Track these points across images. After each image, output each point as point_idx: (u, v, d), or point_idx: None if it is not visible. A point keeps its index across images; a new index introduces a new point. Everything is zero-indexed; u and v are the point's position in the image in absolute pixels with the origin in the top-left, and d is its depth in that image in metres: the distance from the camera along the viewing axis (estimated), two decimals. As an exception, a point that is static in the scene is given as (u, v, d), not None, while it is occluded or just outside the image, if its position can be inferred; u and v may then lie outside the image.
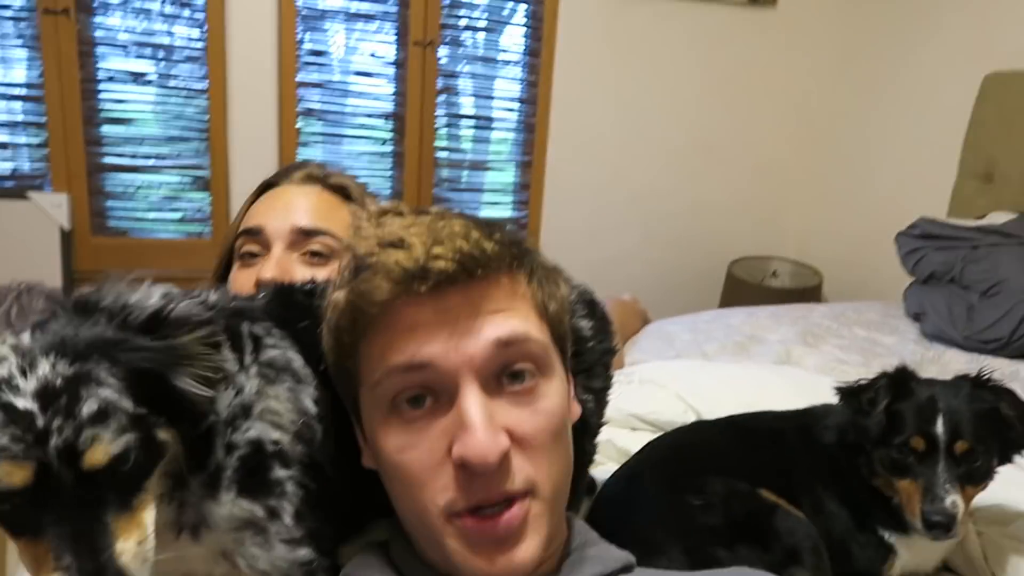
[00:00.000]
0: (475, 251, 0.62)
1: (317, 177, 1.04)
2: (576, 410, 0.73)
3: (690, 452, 1.15)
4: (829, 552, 0.97)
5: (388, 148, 2.97)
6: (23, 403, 0.51)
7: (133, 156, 2.70)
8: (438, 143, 3.00)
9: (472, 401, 0.60)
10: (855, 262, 3.23)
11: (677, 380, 1.54)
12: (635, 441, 1.27)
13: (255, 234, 0.99)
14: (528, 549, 0.62)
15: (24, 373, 0.52)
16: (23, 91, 2.55)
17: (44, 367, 0.52)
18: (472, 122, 3.08)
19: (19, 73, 2.54)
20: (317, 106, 2.83)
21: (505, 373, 0.63)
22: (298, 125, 2.80)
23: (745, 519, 0.98)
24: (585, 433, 0.89)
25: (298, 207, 1.00)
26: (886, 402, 0.99)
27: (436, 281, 0.61)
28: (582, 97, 3.10)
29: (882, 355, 2.08)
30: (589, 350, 0.87)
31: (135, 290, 0.61)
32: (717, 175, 3.38)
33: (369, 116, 2.92)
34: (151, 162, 2.72)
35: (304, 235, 0.98)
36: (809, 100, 3.36)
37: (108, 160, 2.67)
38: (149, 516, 0.58)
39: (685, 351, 2.13)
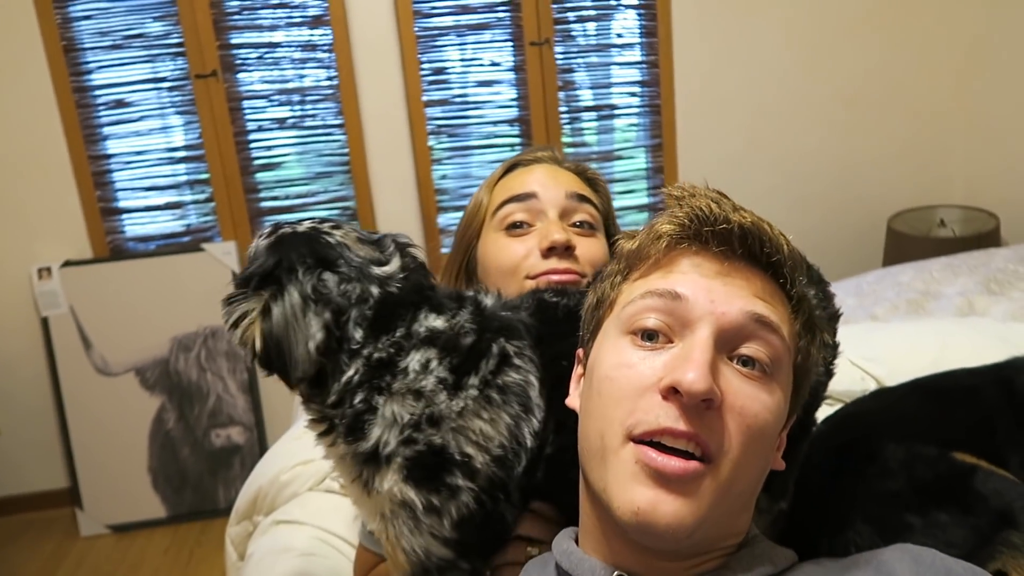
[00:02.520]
0: (773, 236, 0.65)
1: (559, 160, 1.09)
2: (779, 463, 0.70)
3: (861, 420, 1.09)
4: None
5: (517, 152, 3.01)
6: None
7: (286, 197, 2.89)
8: (564, 139, 3.01)
9: (702, 342, 0.60)
10: (1036, 198, 2.92)
11: (848, 345, 1.45)
12: (810, 414, 1.21)
13: (527, 199, 1.01)
14: (681, 510, 0.58)
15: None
16: (183, 153, 2.79)
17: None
18: (594, 114, 3.06)
19: (178, 138, 2.79)
20: (445, 122, 2.92)
21: (740, 352, 0.62)
22: (429, 143, 2.90)
23: (935, 483, 0.92)
24: (813, 405, 0.89)
25: (565, 178, 1.04)
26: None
27: (728, 235, 0.63)
28: (708, 67, 2.99)
29: (1084, 294, 1.87)
30: (817, 318, 0.86)
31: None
32: (867, 126, 3.15)
33: (495, 123, 2.98)
34: (302, 201, 2.90)
35: (577, 200, 1.01)
36: (973, 28, 3.06)
37: (265, 204, 2.88)
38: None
39: (852, 316, 2.01)
